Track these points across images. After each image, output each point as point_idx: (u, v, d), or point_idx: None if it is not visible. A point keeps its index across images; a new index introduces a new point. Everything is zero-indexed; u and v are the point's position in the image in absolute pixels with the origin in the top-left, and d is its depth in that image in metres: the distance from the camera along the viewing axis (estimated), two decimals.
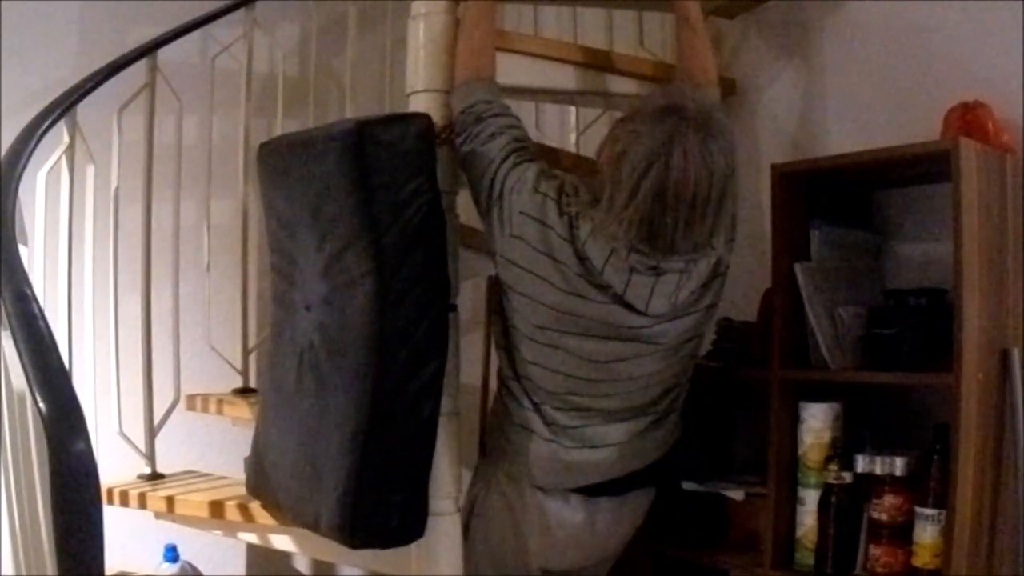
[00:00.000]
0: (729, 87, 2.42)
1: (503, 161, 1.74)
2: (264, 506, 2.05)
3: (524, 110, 2.99)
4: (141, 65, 2.31)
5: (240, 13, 2.52)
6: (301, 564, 2.96)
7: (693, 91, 1.70)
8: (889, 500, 1.79)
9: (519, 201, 1.71)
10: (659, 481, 1.96)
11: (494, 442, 1.94)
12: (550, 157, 2.30)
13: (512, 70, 2.06)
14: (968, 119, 1.87)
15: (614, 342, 1.74)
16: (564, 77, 2.15)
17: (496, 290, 1.85)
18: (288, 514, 1.91)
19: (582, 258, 1.68)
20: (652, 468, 1.89)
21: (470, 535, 1.90)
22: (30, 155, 1.92)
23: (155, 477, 2.35)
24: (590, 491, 1.86)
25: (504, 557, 1.90)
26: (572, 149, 2.76)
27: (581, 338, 1.74)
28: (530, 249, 1.72)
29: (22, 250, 1.74)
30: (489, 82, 1.80)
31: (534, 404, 1.83)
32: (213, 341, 2.56)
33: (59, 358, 1.36)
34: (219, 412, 2.46)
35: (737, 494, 2.04)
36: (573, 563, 1.95)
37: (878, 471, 1.80)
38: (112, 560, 1.34)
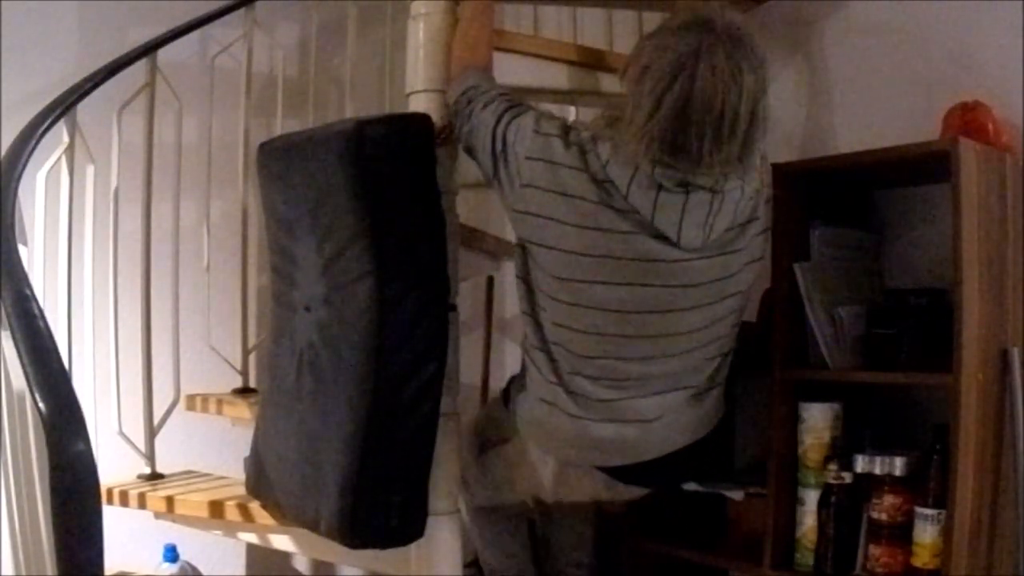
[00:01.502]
0: None
1: (499, 120, 1.68)
2: (264, 506, 2.05)
3: None
4: (141, 65, 2.31)
5: (240, 13, 2.52)
6: (301, 564, 2.96)
7: (722, 7, 1.58)
8: (889, 500, 1.79)
9: (523, 147, 1.64)
10: (699, 471, 1.92)
11: (513, 412, 1.86)
12: None
13: (512, 70, 2.06)
14: (968, 119, 1.87)
15: (646, 288, 1.62)
16: (563, 77, 2.15)
17: (520, 254, 1.74)
18: (288, 514, 1.91)
19: (602, 182, 1.57)
20: (690, 455, 1.78)
21: (486, 455, 1.92)
22: (30, 155, 1.92)
23: (155, 477, 2.35)
24: (617, 474, 1.79)
25: (516, 484, 1.93)
26: None
27: (610, 287, 1.61)
28: (541, 193, 1.62)
29: (22, 250, 1.74)
30: (482, 71, 1.78)
31: (559, 377, 1.72)
32: (213, 341, 2.56)
33: (59, 358, 1.36)
34: (219, 412, 2.46)
35: (737, 494, 2.04)
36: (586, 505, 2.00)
37: (878, 471, 1.80)
38: (112, 560, 1.34)
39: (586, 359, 1.70)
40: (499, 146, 1.68)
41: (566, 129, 1.65)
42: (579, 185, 1.59)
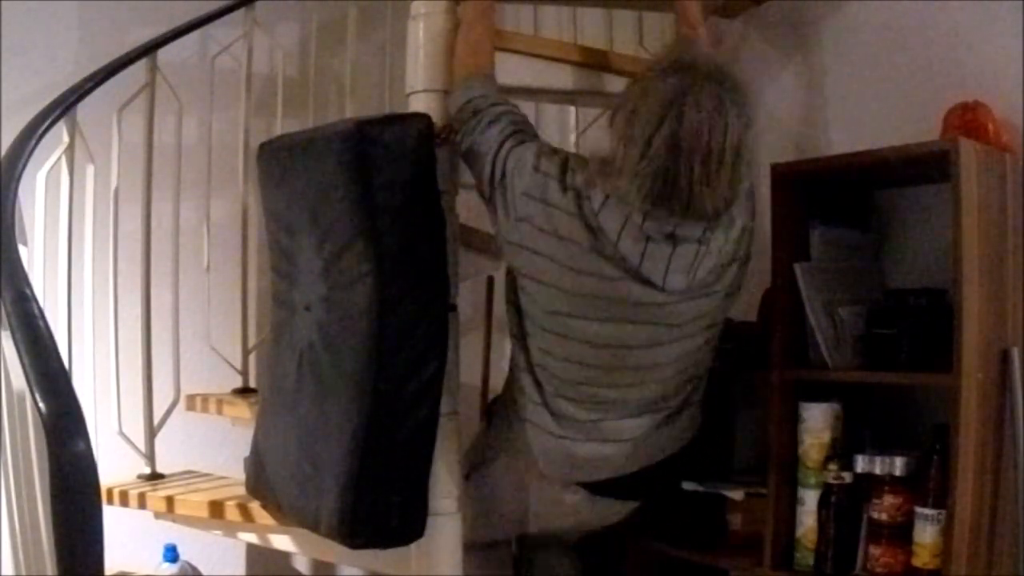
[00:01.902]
0: None
1: (501, 146, 1.70)
2: (264, 506, 2.05)
3: (524, 110, 3.00)
4: (141, 65, 2.31)
5: (240, 13, 2.52)
6: (301, 564, 2.95)
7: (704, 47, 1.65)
8: (889, 500, 1.79)
9: (520, 182, 1.67)
10: (668, 486, 1.97)
11: (498, 433, 1.94)
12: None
13: (512, 70, 2.06)
14: (968, 119, 1.87)
15: (630, 325, 1.68)
16: (564, 77, 2.15)
17: (510, 280, 1.81)
18: (288, 514, 1.91)
19: (595, 230, 1.61)
20: (663, 469, 1.87)
21: (471, 480, 1.93)
22: (30, 155, 1.92)
23: (155, 477, 2.34)
24: (596, 489, 1.86)
25: (502, 507, 1.95)
26: (572, 149, 2.76)
27: (596, 323, 1.68)
28: (535, 230, 1.67)
29: (22, 250, 1.74)
30: (486, 78, 1.78)
31: (543, 399, 1.80)
32: (213, 341, 2.56)
33: (59, 358, 1.36)
34: (219, 412, 2.46)
35: (737, 494, 2.04)
36: (568, 530, 2.03)
37: (878, 471, 1.79)
38: (112, 560, 1.34)
39: (569, 383, 1.78)
40: (498, 175, 1.70)
41: (564, 169, 1.66)
42: (572, 229, 1.63)
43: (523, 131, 1.74)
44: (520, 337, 1.81)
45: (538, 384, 1.80)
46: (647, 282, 1.62)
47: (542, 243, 1.66)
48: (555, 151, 1.72)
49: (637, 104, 1.55)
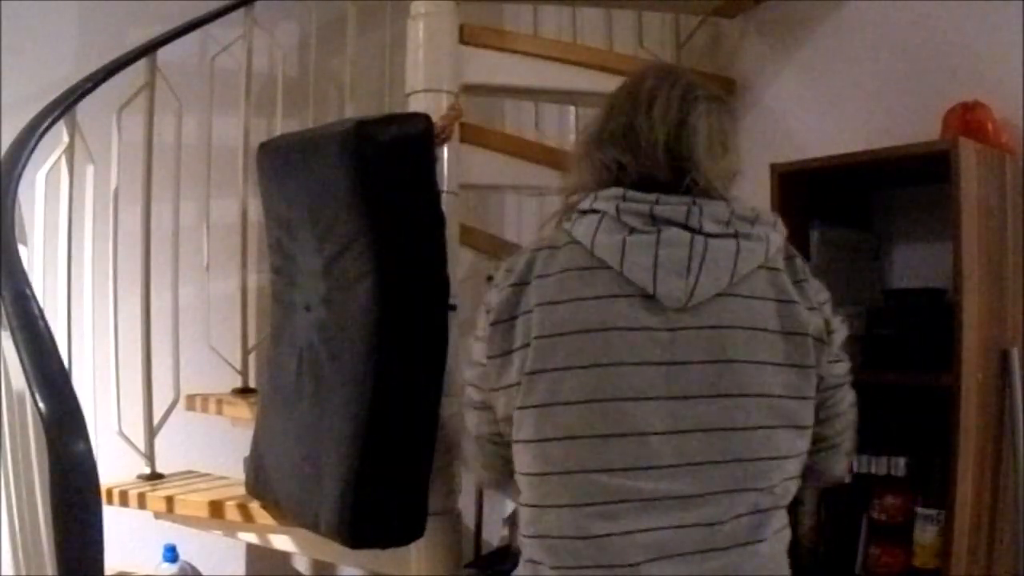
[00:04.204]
0: (729, 87, 2.42)
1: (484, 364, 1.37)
2: (264, 506, 2.05)
3: (524, 110, 3.01)
4: (140, 65, 2.31)
5: (239, 13, 2.52)
6: (301, 564, 2.96)
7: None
8: (889, 500, 1.79)
9: (493, 333, 1.34)
10: None
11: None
12: (549, 157, 2.31)
13: (512, 70, 2.06)
14: (968, 119, 1.87)
15: (622, 368, 1.24)
16: (564, 77, 2.15)
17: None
18: (288, 514, 1.91)
19: (569, 244, 1.31)
20: None
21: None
22: (30, 155, 1.92)
23: (155, 477, 2.35)
24: None
25: None
26: (571, 149, 2.76)
27: (585, 371, 1.25)
28: (512, 330, 1.32)
29: (21, 250, 1.74)
30: None
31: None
32: (213, 341, 2.56)
33: (59, 358, 1.36)
34: (219, 412, 2.46)
35: None
36: None
37: (878, 471, 1.80)
38: (112, 560, 1.34)
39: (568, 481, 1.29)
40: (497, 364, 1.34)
41: (505, 269, 1.38)
42: (542, 277, 1.31)
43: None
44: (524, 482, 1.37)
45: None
46: (637, 292, 1.28)
47: (518, 332, 1.35)
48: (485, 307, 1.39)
49: (590, 123, 1.43)
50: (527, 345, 1.29)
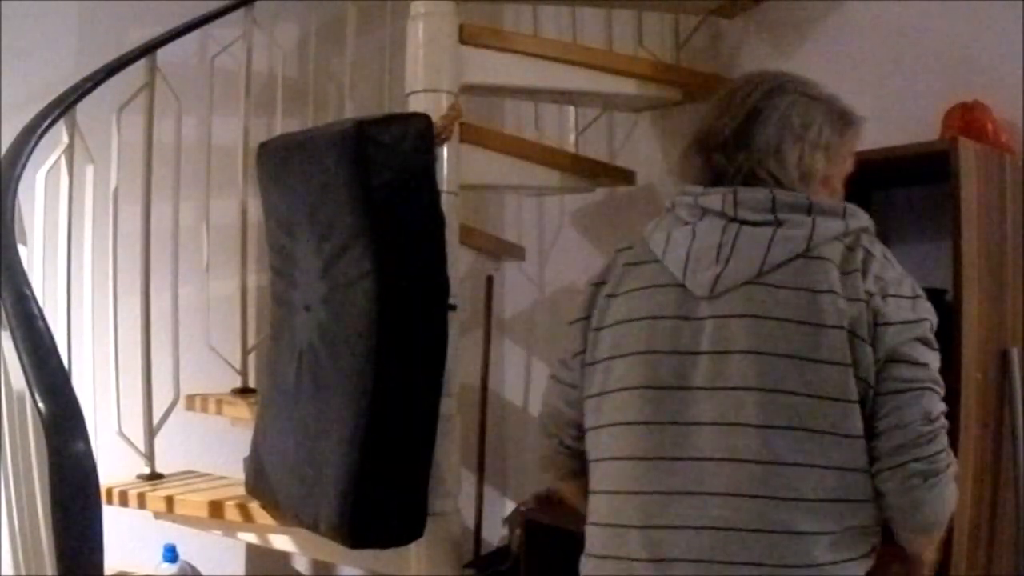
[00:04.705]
0: None
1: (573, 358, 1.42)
2: (263, 506, 2.05)
3: (524, 110, 3.01)
4: (140, 65, 2.31)
5: (239, 13, 2.52)
6: (301, 564, 2.96)
7: None
8: None
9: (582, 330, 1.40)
10: None
11: None
12: (549, 157, 2.31)
13: (512, 70, 2.06)
14: (968, 119, 1.87)
15: (658, 356, 1.28)
16: (564, 77, 2.15)
17: None
18: (288, 514, 1.91)
19: (640, 241, 1.39)
20: None
21: None
22: (29, 155, 1.92)
23: (154, 477, 2.35)
24: None
25: None
26: (571, 149, 2.76)
27: (635, 357, 1.30)
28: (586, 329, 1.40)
29: (21, 250, 1.74)
30: None
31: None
32: (212, 341, 2.56)
33: (59, 358, 1.36)
34: (218, 412, 2.46)
35: None
36: None
37: None
38: (112, 560, 1.34)
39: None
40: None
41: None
42: (611, 278, 1.39)
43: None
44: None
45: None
46: (674, 283, 1.34)
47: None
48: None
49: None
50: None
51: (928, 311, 1.28)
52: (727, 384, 1.23)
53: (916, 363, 1.23)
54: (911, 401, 1.21)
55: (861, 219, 1.31)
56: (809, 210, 1.27)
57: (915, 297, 1.27)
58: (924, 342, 1.25)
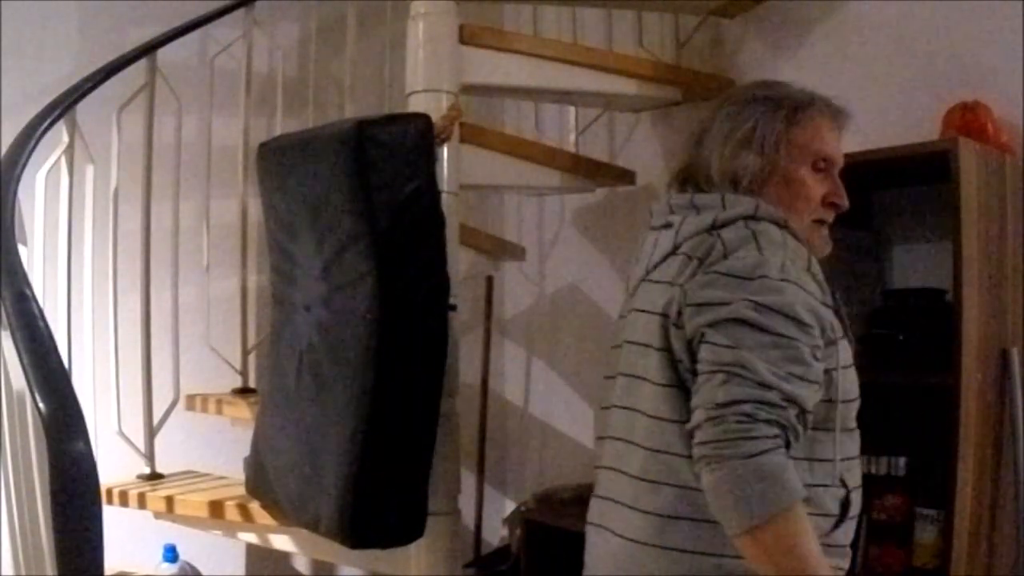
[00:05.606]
0: (728, 87, 2.42)
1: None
2: (264, 506, 2.05)
3: (524, 110, 3.01)
4: (140, 65, 2.31)
5: (239, 13, 2.52)
6: (301, 564, 2.96)
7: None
8: (889, 500, 1.79)
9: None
10: None
11: None
12: (549, 157, 2.31)
13: (512, 70, 2.06)
14: (968, 119, 1.87)
15: (614, 350, 1.45)
16: (564, 77, 2.15)
17: None
18: (288, 514, 1.91)
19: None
20: None
21: None
22: (29, 155, 1.92)
23: (154, 477, 2.35)
24: None
25: None
26: (572, 149, 2.76)
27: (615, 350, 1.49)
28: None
29: (21, 250, 1.74)
30: None
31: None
32: (212, 341, 2.56)
33: (59, 358, 1.36)
34: (218, 412, 2.46)
35: None
36: None
37: (878, 471, 1.79)
38: (112, 560, 1.34)
39: None
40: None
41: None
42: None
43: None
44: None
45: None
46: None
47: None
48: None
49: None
50: None
51: (773, 290, 1.22)
52: (620, 371, 1.40)
53: (716, 345, 1.20)
54: (703, 384, 1.20)
55: (736, 208, 1.32)
56: (698, 209, 1.36)
57: (747, 279, 1.22)
58: (736, 323, 1.20)
